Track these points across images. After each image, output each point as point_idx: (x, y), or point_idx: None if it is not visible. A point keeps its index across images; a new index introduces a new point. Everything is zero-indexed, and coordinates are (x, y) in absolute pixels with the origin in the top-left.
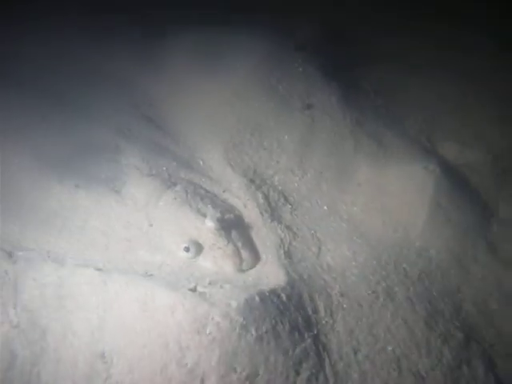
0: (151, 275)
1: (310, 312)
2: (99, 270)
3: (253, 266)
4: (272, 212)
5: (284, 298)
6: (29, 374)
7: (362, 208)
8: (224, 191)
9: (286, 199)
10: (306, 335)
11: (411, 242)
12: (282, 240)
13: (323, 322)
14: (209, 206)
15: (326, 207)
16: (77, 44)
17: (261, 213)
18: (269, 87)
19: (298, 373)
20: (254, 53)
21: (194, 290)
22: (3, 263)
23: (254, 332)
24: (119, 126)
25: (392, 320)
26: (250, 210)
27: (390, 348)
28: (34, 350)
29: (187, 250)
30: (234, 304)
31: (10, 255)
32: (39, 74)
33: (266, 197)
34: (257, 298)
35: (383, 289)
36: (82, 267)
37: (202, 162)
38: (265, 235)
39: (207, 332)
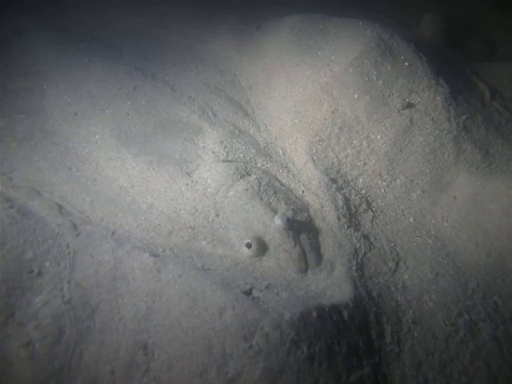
0: (208, 269)
1: (374, 336)
2: (156, 255)
3: (319, 274)
4: (350, 217)
5: (346, 316)
6: (72, 352)
7: (453, 224)
8: (303, 191)
9: (368, 205)
10: (364, 362)
11: (507, 271)
12: (356, 250)
13: (388, 349)
14: (281, 201)
15: (412, 219)
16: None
17: (338, 217)
18: (368, 81)
19: None
20: (358, 40)
21: (248, 292)
22: (67, 236)
23: (305, 350)
24: (204, 106)
25: (471, 361)
26: (327, 212)
27: None
28: (81, 328)
29: (249, 246)
30: (287, 316)
31: (75, 227)
32: (138, 43)
33: (347, 200)
34: (314, 313)
35: (465, 322)
36: (139, 250)
37: (281, 152)
38: (338, 242)
39: (254, 342)
